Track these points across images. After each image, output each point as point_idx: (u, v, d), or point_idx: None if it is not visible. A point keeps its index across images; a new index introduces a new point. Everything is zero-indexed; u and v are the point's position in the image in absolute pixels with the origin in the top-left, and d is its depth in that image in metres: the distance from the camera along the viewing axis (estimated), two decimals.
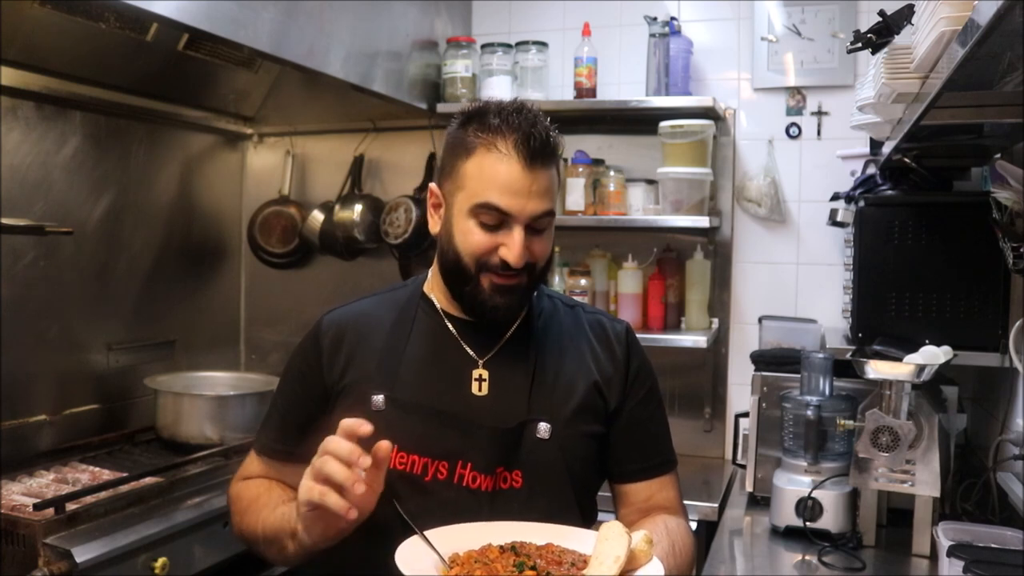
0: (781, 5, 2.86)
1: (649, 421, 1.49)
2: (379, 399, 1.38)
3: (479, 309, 1.37)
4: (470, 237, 1.33)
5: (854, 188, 2.40)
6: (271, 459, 1.49)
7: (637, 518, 1.45)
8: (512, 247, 1.31)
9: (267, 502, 1.40)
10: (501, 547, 1.19)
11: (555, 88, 3.05)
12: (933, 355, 1.89)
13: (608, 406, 1.44)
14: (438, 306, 1.45)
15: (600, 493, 1.52)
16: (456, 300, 1.42)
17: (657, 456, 1.49)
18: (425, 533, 1.20)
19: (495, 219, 1.32)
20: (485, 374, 1.40)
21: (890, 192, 2.28)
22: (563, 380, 1.42)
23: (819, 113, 2.85)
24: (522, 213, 1.31)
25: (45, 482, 2.14)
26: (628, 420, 1.46)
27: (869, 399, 1.95)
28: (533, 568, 1.13)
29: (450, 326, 1.44)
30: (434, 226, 1.43)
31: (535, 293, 1.49)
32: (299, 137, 3.33)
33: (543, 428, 1.37)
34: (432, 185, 1.43)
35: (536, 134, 1.31)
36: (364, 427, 1.17)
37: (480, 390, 1.39)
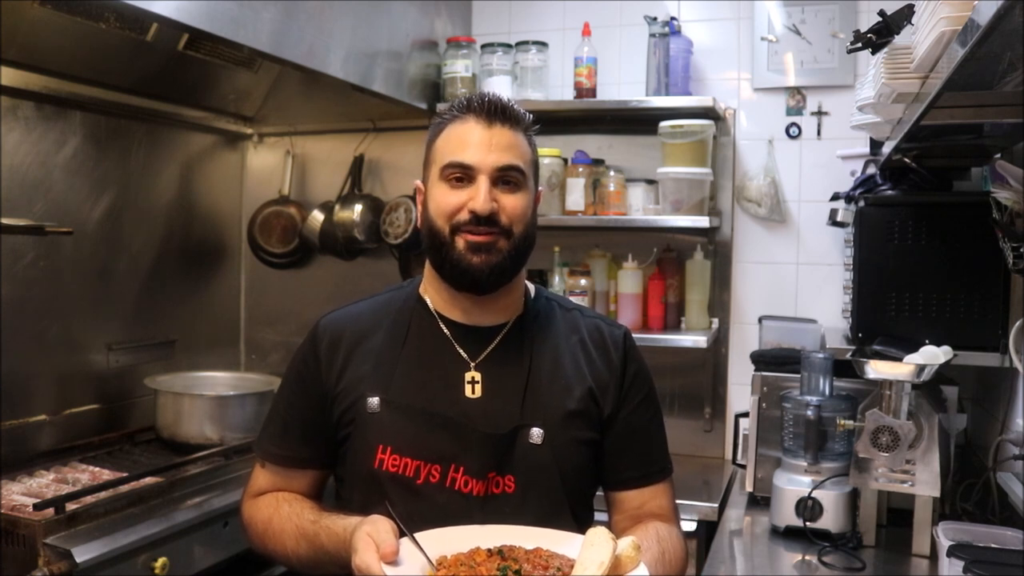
0: (781, 5, 2.86)
1: (644, 428, 1.47)
2: (374, 401, 1.37)
3: (458, 272, 1.36)
4: (441, 200, 1.37)
5: (854, 188, 2.40)
6: (276, 466, 1.48)
7: (629, 525, 1.43)
8: (477, 195, 1.34)
9: (280, 527, 1.39)
10: (489, 551, 1.19)
11: (555, 88, 3.05)
12: (933, 355, 1.89)
13: (602, 412, 1.43)
14: (432, 307, 1.45)
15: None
16: (440, 273, 1.40)
17: (652, 464, 1.47)
18: (416, 535, 1.19)
19: (461, 174, 1.35)
20: (478, 376, 1.39)
21: (890, 192, 2.28)
22: (558, 384, 1.41)
23: (819, 113, 2.85)
24: (484, 163, 1.35)
25: (45, 482, 2.14)
26: (623, 427, 1.44)
27: (869, 399, 1.95)
28: (517, 573, 1.13)
29: (444, 327, 1.43)
30: (419, 219, 1.45)
31: (533, 296, 1.50)
32: (299, 137, 3.33)
33: (536, 433, 1.36)
34: (416, 182, 1.47)
35: (495, 99, 1.38)
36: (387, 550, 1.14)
37: (473, 392, 1.38)
